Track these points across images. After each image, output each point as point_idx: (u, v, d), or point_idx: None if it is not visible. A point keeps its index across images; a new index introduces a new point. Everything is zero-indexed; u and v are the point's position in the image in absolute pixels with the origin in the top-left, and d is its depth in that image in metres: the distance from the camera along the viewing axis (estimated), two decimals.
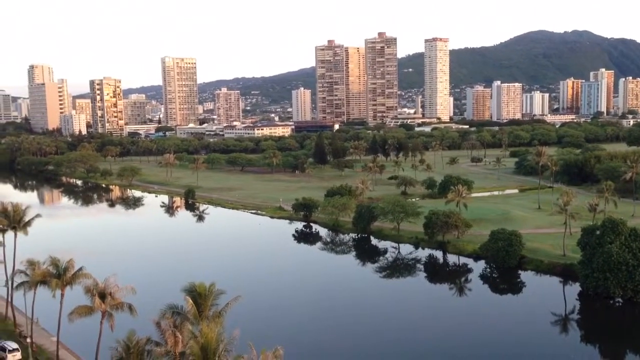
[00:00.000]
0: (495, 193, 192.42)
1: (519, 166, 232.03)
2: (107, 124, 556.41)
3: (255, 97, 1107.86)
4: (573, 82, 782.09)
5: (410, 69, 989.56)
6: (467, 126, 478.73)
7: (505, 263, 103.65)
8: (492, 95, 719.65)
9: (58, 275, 62.40)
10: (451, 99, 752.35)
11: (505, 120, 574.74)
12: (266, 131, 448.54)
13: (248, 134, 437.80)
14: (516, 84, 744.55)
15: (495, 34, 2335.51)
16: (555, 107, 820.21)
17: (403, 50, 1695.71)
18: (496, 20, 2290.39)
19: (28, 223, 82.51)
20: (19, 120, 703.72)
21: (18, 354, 65.21)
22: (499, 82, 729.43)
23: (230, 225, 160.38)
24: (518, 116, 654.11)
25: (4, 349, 65.56)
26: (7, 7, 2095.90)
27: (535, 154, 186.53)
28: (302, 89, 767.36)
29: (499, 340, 75.70)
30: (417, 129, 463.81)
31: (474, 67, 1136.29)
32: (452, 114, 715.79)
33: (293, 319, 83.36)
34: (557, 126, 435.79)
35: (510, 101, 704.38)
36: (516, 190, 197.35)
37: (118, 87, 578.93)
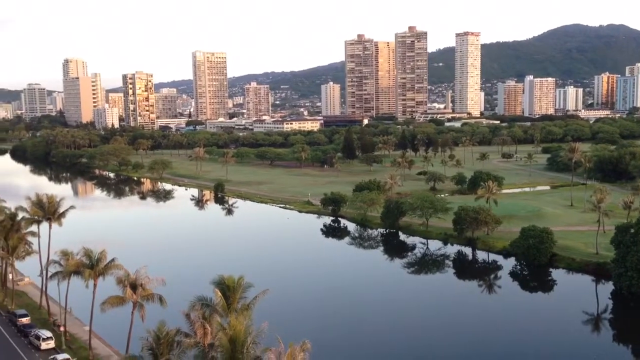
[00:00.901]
0: (527, 189, 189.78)
1: (551, 162, 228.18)
2: (139, 118, 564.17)
3: (284, 92, 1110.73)
4: (608, 77, 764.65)
5: (441, 64, 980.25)
6: (498, 121, 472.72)
7: (536, 260, 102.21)
8: (524, 90, 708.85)
9: (91, 265, 63.60)
10: (482, 94, 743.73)
11: (537, 116, 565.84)
12: (295, 125, 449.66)
13: (277, 128, 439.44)
14: (549, 79, 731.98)
15: (528, 28, 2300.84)
16: (590, 102, 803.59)
17: (433, 44, 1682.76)
18: (529, 14, 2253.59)
19: (62, 214, 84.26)
20: (54, 114, 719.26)
21: (52, 342, 66.70)
22: (531, 77, 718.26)
23: (258, 219, 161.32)
24: (551, 111, 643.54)
25: (38, 337, 67.14)
26: (44, 3, 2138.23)
27: (568, 150, 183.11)
28: (331, 83, 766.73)
29: (529, 338, 74.68)
30: (447, 124, 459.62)
31: (506, 61, 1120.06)
32: (482, 109, 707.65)
33: (321, 313, 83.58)
34: (591, 122, 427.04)
35: (542, 96, 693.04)
36: (548, 187, 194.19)
37: (150, 81, 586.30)
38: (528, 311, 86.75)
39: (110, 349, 67.36)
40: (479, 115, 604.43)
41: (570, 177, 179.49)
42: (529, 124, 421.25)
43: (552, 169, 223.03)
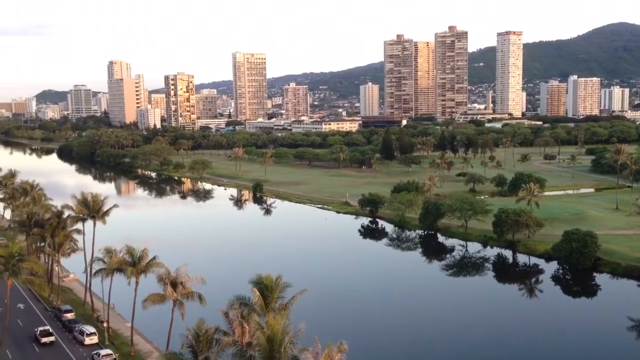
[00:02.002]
0: (570, 192, 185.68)
1: (596, 164, 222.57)
2: (180, 118, 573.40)
3: (323, 92, 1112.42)
4: None
5: (481, 64, 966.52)
6: (541, 122, 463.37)
7: (579, 265, 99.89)
8: (567, 91, 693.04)
9: (133, 263, 64.99)
10: (524, 94, 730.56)
11: (581, 117, 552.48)
12: (333, 126, 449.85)
13: (315, 128, 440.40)
14: (594, 79, 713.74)
15: (572, 26, 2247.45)
16: (636, 103, 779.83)
17: (474, 44, 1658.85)
18: (574, 12, 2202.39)
19: (106, 213, 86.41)
20: (98, 114, 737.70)
21: (95, 338, 68.37)
22: (575, 77, 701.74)
23: (296, 219, 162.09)
24: (595, 112, 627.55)
25: (82, 333, 68.94)
26: (89, 7, 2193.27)
27: (614, 152, 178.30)
28: (370, 84, 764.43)
29: (572, 344, 73.09)
30: (487, 124, 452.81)
31: (549, 61, 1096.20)
32: (524, 110, 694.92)
33: (358, 314, 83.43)
34: (637, 123, 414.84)
35: (587, 96, 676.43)
36: (592, 190, 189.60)
37: (191, 82, 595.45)
38: (570, 316, 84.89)
39: (151, 345, 68.70)
40: (520, 116, 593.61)
41: (616, 180, 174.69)
42: (572, 124, 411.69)
43: (596, 171, 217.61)
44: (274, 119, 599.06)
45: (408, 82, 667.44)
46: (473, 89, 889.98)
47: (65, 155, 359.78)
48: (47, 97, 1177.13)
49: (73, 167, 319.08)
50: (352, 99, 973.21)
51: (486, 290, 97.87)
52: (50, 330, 70.19)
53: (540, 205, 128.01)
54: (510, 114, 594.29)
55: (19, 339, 69.94)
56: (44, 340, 68.18)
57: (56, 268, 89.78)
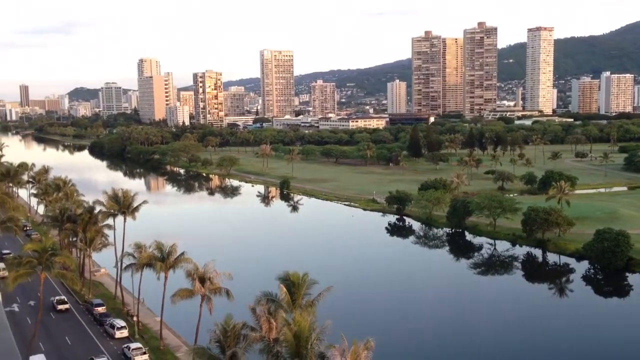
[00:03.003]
0: (602, 190, 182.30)
1: (629, 162, 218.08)
2: (208, 115, 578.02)
3: (350, 89, 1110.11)
4: None
5: (511, 60, 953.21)
6: (572, 119, 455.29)
7: (611, 264, 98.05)
8: (600, 87, 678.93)
9: (162, 258, 65.85)
10: (555, 91, 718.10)
11: (614, 114, 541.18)
12: (361, 123, 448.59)
13: (343, 126, 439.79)
14: (627, 75, 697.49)
15: (604, 22, 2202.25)
16: None
17: (503, 40, 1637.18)
18: (606, 7, 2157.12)
19: (136, 208, 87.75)
20: (129, 111, 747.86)
21: (125, 332, 69.55)
22: (608, 73, 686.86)
23: (323, 216, 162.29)
24: (629, 109, 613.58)
25: (112, 326, 70.17)
26: (120, 6, 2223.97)
27: None
28: (397, 81, 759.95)
29: (602, 344, 71.87)
30: (516, 122, 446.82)
31: (581, 57, 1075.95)
32: (555, 107, 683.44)
33: (385, 312, 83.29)
34: None
35: (620, 93, 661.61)
36: (625, 188, 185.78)
37: (219, 79, 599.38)
38: (601, 316, 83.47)
39: (180, 340, 69.59)
40: (551, 113, 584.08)
41: None
42: (605, 122, 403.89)
43: (629, 169, 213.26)
44: (301, 116, 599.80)
45: (436, 79, 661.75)
46: (502, 85, 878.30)
47: (97, 151, 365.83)
48: (79, 94, 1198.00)
49: (104, 163, 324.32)
50: (379, 96, 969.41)
51: (515, 289, 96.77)
52: (65, 299, 78.73)
53: (571, 204, 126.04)
54: (541, 111, 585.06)
55: (51, 330, 71.47)
56: (60, 307, 77.19)
57: (88, 262, 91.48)
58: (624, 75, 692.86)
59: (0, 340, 5.57)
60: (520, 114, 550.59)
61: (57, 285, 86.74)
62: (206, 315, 57.76)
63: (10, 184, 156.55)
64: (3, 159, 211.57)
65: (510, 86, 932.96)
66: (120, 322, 70.94)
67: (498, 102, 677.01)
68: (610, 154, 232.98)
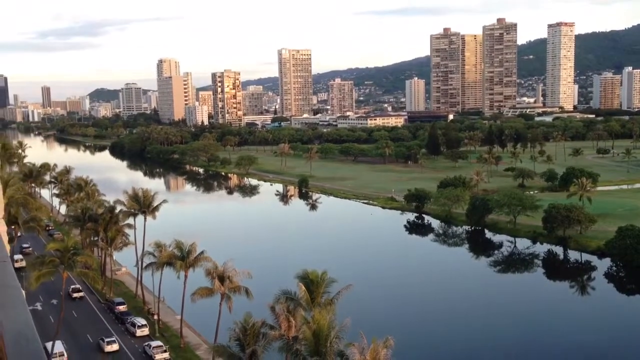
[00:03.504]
0: (624, 187, 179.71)
1: None
2: (227, 115, 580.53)
3: (368, 87, 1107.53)
4: None
5: (531, 56, 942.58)
6: (593, 115, 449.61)
7: (634, 261, 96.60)
8: (622, 83, 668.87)
9: (182, 257, 66.38)
10: (576, 86, 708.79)
11: (636, 109, 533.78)
12: (379, 121, 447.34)
13: (361, 124, 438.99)
14: None
15: (626, 16, 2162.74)
16: None
17: (523, 36, 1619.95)
18: (628, 1, 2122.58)
19: (156, 208, 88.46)
20: (148, 112, 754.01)
21: (146, 330, 70.24)
22: (630, 68, 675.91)
23: (342, 215, 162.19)
24: None
25: (133, 325, 70.92)
26: (139, 7, 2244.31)
27: None
28: (415, 78, 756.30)
29: (625, 341, 70.89)
30: (537, 118, 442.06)
31: (602, 52, 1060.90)
32: (576, 103, 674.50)
33: (404, 310, 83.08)
34: None
35: None
36: None
37: (237, 79, 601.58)
38: (625, 314, 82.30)
39: (200, 338, 70.11)
40: (572, 109, 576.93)
41: None
42: (627, 117, 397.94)
43: None
44: (319, 115, 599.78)
45: (455, 76, 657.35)
46: (522, 82, 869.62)
47: (117, 151, 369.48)
48: (99, 95, 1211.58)
49: (124, 163, 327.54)
50: (397, 94, 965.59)
51: (536, 286, 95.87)
52: (80, 288, 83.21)
53: (592, 201, 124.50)
54: (562, 107, 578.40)
55: (72, 328, 72.43)
56: (75, 295, 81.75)
57: (109, 261, 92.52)
58: None
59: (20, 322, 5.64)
60: (540, 110, 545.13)
61: (79, 284, 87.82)
62: (226, 314, 58.08)
63: (33, 185, 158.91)
64: (26, 160, 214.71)
65: (530, 82, 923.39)
66: (141, 321, 71.63)
67: (518, 99, 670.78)
68: (633, 150, 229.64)
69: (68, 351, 63.15)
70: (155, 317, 73.66)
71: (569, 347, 69.97)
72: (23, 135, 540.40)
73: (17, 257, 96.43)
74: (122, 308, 77.37)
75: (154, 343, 65.08)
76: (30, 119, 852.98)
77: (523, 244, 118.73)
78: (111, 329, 72.22)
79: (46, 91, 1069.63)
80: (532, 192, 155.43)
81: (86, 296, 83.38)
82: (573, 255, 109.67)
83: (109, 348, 65.34)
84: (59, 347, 61.99)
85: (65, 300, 72.32)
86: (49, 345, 60.89)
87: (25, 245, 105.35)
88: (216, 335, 59.43)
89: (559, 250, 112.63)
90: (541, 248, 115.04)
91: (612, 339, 72.68)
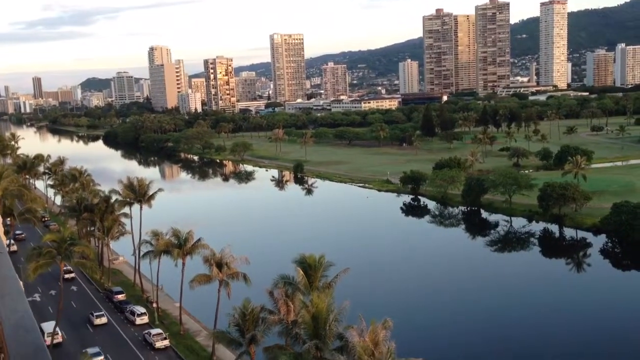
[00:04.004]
0: (618, 163, 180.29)
1: None
2: (220, 102, 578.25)
3: (361, 71, 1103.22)
4: None
5: (524, 35, 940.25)
6: (587, 93, 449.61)
7: (629, 237, 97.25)
8: (615, 60, 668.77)
9: (179, 245, 66.39)
10: (569, 65, 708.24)
11: (630, 86, 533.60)
12: (373, 104, 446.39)
13: (355, 107, 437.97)
14: None
15: None
16: None
17: (516, 15, 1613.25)
18: None
19: (152, 196, 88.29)
20: (141, 100, 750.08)
21: (145, 318, 70.43)
22: (623, 45, 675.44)
23: (338, 199, 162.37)
24: None
25: (133, 313, 71.09)
26: None
27: None
28: (409, 60, 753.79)
29: (622, 316, 71.46)
30: (531, 97, 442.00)
31: (595, 29, 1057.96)
32: (569, 81, 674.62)
33: (402, 292, 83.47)
34: None
35: (635, 65, 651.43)
36: None
37: (230, 65, 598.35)
38: (621, 289, 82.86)
39: (199, 325, 70.37)
40: (565, 88, 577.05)
41: None
42: (620, 94, 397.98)
43: None
44: (313, 99, 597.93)
45: (448, 57, 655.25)
46: (515, 61, 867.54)
47: (111, 141, 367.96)
48: (91, 85, 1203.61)
49: (118, 152, 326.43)
50: (391, 76, 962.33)
51: (532, 264, 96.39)
52: (71, 269, 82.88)
53: (587, 178, 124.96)
54: (555, 86, 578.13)
55: (72, 320, 72.57)
56: (67, 276, 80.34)
57: (106, 251, 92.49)
58: (639, 46, 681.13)
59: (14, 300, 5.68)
60: (534, 89, 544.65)
61: (77, 274, 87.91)
62: (224, 300, 58.24)
63: (27, 176, 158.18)
64: (19, 151, 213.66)
65: (524, 62, 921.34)
66: (140, 309, 71.80)
67: (511, 78, 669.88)
68: (627, 126, 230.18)
69: (62, 330, 64.94)
70: (154, 305, 73.79)
71: (566, 321, 70.50)
72: (15, 127, 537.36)
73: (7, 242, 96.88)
74: (120, 297, 77.49)
75: (154, 331, 65.29)
76: (22, 110, 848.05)
77: (519, 223, 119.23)
78: (111, 318, 72.38)
79: (37, 82, 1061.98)
80: (527, 171, 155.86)
81: (82, 283, 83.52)
82: (569, 232, 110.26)
83: (98, 321, 70.14)
84: (51, 326, 63.76)
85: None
86: (43, 325, 61.74)
87: (18, 232, 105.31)
88: (215, 321, 59.64)
89: (554, 228, 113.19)
90: (537, 226, 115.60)
91: (609, 313, 73.21)
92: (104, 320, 70.45)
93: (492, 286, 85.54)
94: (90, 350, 59.05)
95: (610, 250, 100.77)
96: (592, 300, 78.67)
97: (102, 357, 59.47)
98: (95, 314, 71.13)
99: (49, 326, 63.34)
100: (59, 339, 63.11)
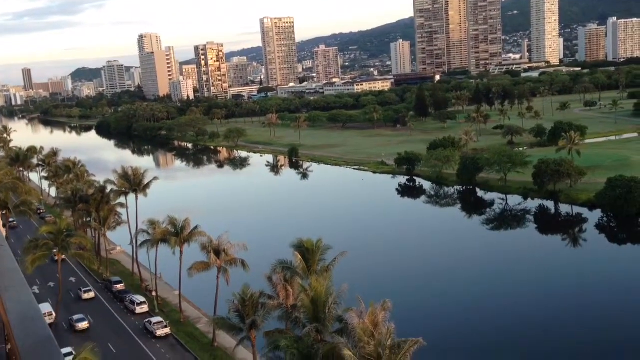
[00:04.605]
0: (612, 138, 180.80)
1: (639, 108, 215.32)
2: (212, 88, 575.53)
3: (353, 53, 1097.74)
4: None
5: (515, 12, 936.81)
6: (579, 68, 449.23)
7: (624, 211, 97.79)
8: (607, 34, 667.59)
9: (176, 233, 66.42)
10: (561, 40, 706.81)
11: (622, 60, 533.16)
12: (366, 86, 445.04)
13: (348, 90, 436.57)
14: (634, 20, 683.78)
15: None
16: None
17: None
18: None
19: (147, 185, 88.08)
20: (132, 89, 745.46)
21: (145, 307, 70.64)
22: (614, 19, 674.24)
23: (333, 182, 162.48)
24: (637, 55, 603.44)
25: (132, 302, 71.27)
26: None
27: None
28: (400, 41, 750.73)
29: (618, 289, 72.10)
30: (523, 74, 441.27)
31: (586, 4, 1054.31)
32: (562, 57, 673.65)
33: (400, 273, 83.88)
34: None
35: (627, 38, 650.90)
36: (635, 134, 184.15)
37: (221, 51, 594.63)
38: (617, 263, 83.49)
39: (199, 312, 70.63)
40: (558, 63, 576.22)
41: None
42: (613, 69, 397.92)
43: None
44: (306, 83, 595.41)
45: (440, 36, 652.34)
46: (507, 38, 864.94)
47: (104, 131, 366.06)
48: (81, 74, 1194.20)
49: (112, 142, 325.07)
50: (383, 57, 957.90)
51: (529, 241, 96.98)
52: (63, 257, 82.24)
53: (581, 154, 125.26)
54: (548, 62, 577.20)
55: (71, 309, 72.70)
56: (56, 258, 75.79)
57: (103, 241, 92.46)
58: (630, 20, 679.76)
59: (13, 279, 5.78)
60: (526, 66, 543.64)
61: (75, 266, 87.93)
62: (223, 287, 58.43)
63: (21, 168, 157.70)
64: (12, 144, 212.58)
65: (516, 39, 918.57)
66: (139, 298, 71.99)
67: (504, 56, 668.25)
68: (620, 101, 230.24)
69: (55, 310, 67.32)
70: (154, 293, 74.02)
71: (564, 296, 71.08)
72: (7, 120, 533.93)
73: None
74: (120, 287, 77.61)
75: (155, 319, 65.52)
76: (13, 103, 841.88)
77: (514, 200, 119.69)
78: (110, 307, 72.59)
79: (27, 73, 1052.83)
80: (521, 149, 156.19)
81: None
82: (564, 208, 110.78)
83: (86, 296, 75.48)
84: (47, 307, 67.04)
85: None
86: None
87: (11, 220, 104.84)
88: (215, 308, 59.88)
89: (550, 204, 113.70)
90: (532, 203, 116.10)
91: (606, 286, 73.83)
92: (91, 294, 75.28)
93: (490, 264, 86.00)
94: (76, 317, 66.70)
95: (606, 225, 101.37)
96: (590, 273, 79.24)
97: (86, 322, 65.94)
98: (83, 289, 76.65)
99: (45, 306, 67.12)
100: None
